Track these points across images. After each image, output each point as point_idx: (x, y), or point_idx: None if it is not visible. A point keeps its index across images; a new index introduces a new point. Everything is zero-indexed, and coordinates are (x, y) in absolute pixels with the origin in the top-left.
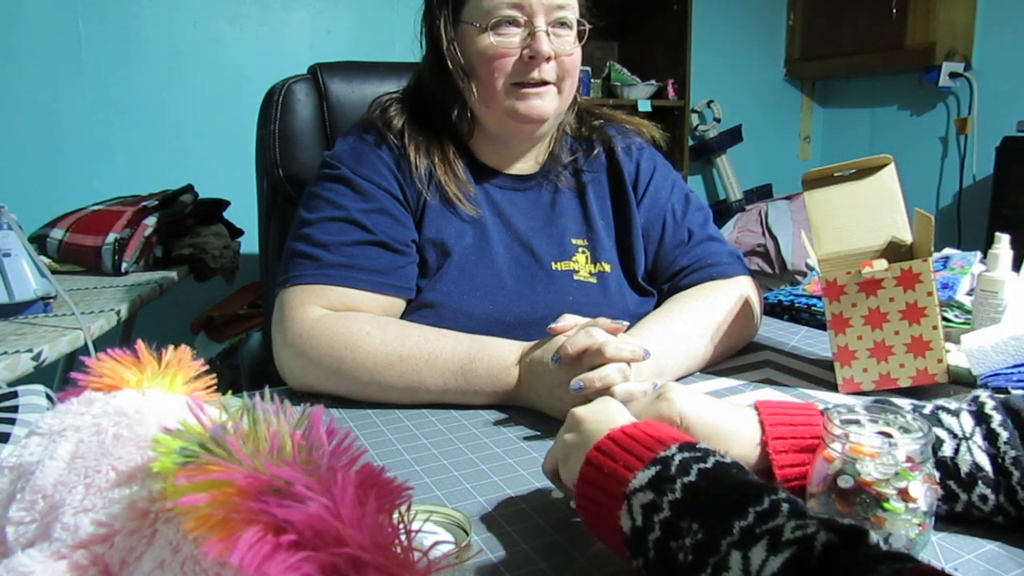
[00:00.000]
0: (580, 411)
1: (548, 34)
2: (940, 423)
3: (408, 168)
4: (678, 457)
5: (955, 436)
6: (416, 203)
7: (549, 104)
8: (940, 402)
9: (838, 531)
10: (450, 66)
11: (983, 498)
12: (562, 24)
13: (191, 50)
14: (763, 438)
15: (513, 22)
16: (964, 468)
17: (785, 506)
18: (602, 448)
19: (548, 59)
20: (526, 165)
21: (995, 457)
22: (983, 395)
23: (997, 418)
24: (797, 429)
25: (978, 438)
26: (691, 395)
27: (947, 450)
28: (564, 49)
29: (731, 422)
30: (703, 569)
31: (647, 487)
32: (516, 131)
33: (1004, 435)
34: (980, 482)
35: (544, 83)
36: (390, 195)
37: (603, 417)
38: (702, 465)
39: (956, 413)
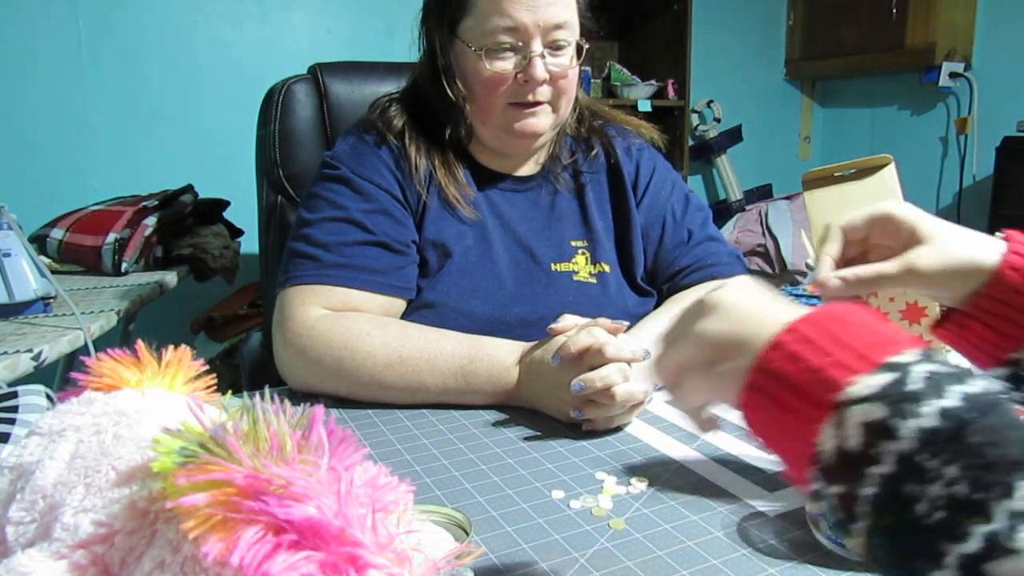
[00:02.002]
0: (719, 295)
1: (544, 56)
2: None
3: (408, 168)
4: (922, 369)
5: None
6: (416, 203)
7: (544, 121)
8: None
9: None
10: (445, 82)
11: None
12: (559, 45)
13: (191, 50)
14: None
15: (509, 47)
16: None
17: None
18: (801, 332)
19: (543, 82)
20: (526, 168)
21: None
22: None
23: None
24: None
25: None
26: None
27: None
28: (560, 71)
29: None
30: (957, 537)
31: (876, 399)
32: (512, 145)
33: None
34: None
35: (539, 103)
36: (390, 195)
37: (763, 301)
38: (965, 388)
39: None
